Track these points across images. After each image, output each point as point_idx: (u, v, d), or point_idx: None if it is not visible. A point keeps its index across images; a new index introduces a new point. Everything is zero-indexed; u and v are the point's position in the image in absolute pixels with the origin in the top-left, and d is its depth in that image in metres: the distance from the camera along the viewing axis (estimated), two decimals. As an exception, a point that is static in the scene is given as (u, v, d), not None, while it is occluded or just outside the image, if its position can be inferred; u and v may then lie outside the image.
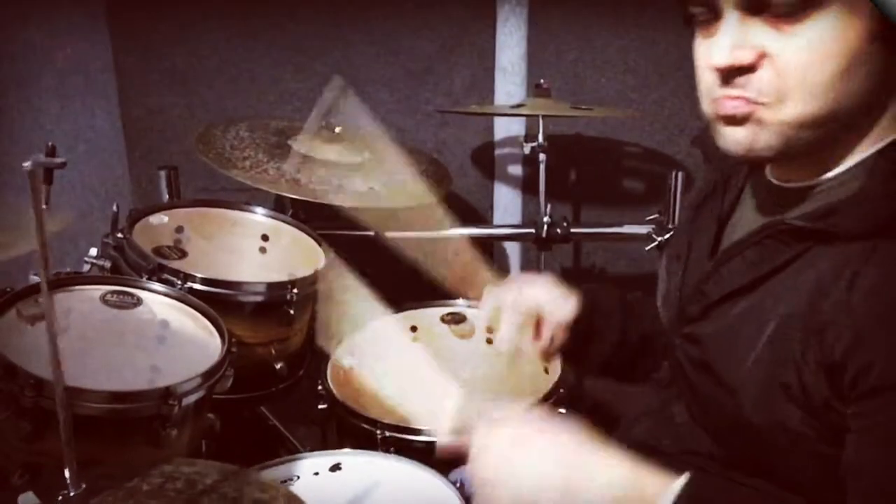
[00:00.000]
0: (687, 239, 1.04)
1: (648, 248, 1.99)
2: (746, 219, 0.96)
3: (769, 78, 0.80)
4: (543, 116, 1.96)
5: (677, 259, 1.04)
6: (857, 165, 0.83)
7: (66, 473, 0.87)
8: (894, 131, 0.83)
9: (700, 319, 0.95)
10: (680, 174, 1.98)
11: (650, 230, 2.01)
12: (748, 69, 0.80)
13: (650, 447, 1.04)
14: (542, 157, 1.99)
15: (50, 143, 1.44)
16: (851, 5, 0.75)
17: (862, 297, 0.77)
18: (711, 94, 0.84)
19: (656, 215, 2.04)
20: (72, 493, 0.87)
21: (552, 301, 1.18)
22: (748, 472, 0.91)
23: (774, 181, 0.93)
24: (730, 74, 0.81)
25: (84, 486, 0.89)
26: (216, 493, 0.98)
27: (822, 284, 0.81)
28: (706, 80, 0.85)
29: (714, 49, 0.81)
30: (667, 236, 1.94)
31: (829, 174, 0.85)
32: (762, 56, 0.79)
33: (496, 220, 2.44)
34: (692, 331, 0.96)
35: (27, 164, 0.73)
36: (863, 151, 0.84)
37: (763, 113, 0.81)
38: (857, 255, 0.79)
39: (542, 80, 2.05)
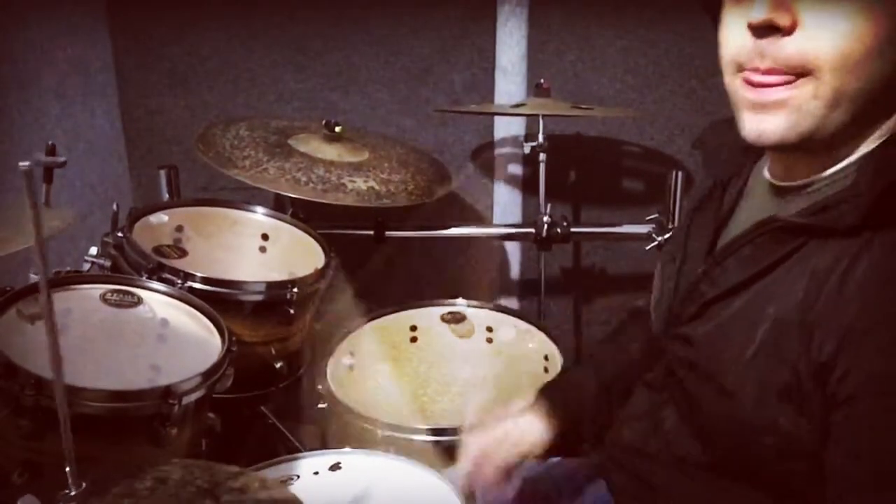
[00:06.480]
0: (683, 242, 1.04)
1: (648, 247, 1.99)
2: (744, 219, 0.96)
3: (798, 47, 0.79)
4: (543, 116, 1.96)
5: (672, 261, 1.04)
6: (850, 164, 0.84)
7: (68, 472, 0.86)
8: (886, 132, 0.83)
9: (694, 319, 0.94)
10: (680, 174, 1.98)
11: (650, 230, 2.01)
12: (782, 32, 0.79)
13: (637, 450, 1.04)
14: (542, 156, 1.98)
15: (50, 143, 1.44)
16: None
17: (853, 293, 0.77)
18: (741, 62, 0.83)
19: (656, 215, 2.04)
20: (73, 493, 0.87)
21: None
22: (735, 477, 0.90)
23: (772, 180, 0.93)
24: (763, 36, 0.80)
25: (84, 485, 0.88)
26: (192, 486, 0.96)
27: (815, 282, 0.80)
28: (735, 52, 0.84)
29: (756, 6, 0.79)
30: (667, 236, 1.94)
31: (826, 172, 0.86)
32: (796, 24, 0.78)
33: (496, 220, 2.44)
34: (685, 332, 0.96)
35: (24, 164, 0.72)
36: (858, 151, 0.84)
37: (796, 94, 0.80)
38: (852, 250, 0.79)
39: (542, 80, 2.05)
